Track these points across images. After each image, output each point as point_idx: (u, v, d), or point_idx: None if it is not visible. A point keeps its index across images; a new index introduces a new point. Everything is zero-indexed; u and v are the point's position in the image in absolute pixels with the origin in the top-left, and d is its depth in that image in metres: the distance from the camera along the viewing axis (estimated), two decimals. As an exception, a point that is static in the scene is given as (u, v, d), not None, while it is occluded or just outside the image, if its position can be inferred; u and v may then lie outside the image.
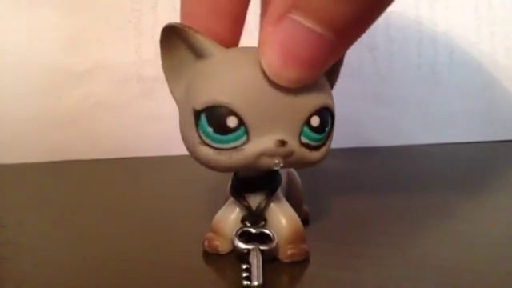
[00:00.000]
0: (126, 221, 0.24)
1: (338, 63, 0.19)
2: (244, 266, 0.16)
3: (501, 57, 0.42)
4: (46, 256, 0.20)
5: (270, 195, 0.18)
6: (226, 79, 0.17)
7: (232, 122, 0.16)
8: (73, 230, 0.23)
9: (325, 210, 0.24)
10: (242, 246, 0.17)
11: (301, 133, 0.17)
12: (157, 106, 0.38)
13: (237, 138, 0.16)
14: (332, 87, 0.19)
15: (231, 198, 0.19)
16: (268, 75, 0.16)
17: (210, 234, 0.19)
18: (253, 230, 0.18)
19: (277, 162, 0.16)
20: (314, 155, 0.17)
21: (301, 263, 0.18)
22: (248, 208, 0.18)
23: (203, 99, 0.16)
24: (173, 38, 0.18)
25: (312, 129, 0.17)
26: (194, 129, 0.17)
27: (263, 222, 0.18)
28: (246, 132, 0.16)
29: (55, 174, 0.35)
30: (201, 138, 0.17)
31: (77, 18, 0.37)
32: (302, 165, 0.18)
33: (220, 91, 0.16)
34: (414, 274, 0.17)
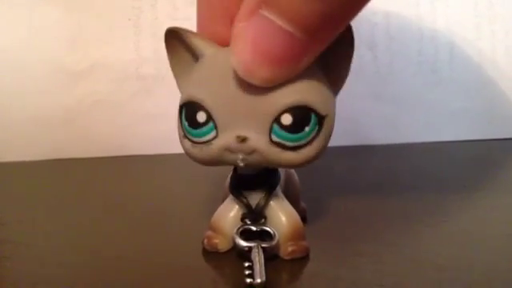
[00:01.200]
0: (126, 219, 0.24)
1: (341, 60, 0.18)
2: (246, 264, 0.16)
3: (501, 55, 0.42)
4: (45, 254, 0.20)
5: (270, 193, 0.18)
6: (202, 77, 0.17)
7: (201, 117, 0.17)
8: (73, 228, 0.23)
9: (324, 208, 0.24)
10: (244, 243, 0.17)
11: (270, 131, 0.16)
12: (156, 104, 0.38)
13: (207, 133, 0.17)
14: (337, 85, 0.18)
15: (230, 196, 0.19)
16: (238, 73, 0.16)
17: (210, 232, 0.19)
18: (254, 228, 0.18)
19: (240, 157, 0.17)
20: (291, 156, 0.17)
21: (301, 260, 0.18)
22: (248, 206, 0.18)
23: (183, 95, 0.18)
24: (174, 41, 0.19)
25: (283, 127, 0.16)
26: (179, 123, 0.18)
27: (263, 220, 0.18)
28: (215, 127, 0.17)
29: (55, 172, 0.35)
30: (183, 131, 0.18)
31: (76, 16, 0.37)
32: (276, 165, 0.17)
33: (194, 88, 0.17)
34: (413, 271, 0.17)
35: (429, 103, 0.41)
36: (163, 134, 0.38)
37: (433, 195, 0.27)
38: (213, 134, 0.17)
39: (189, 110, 0.17)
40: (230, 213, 0.19)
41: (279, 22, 0.14)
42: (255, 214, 0.18)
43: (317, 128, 0.17)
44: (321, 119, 0.17)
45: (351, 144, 0.39)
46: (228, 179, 0.20)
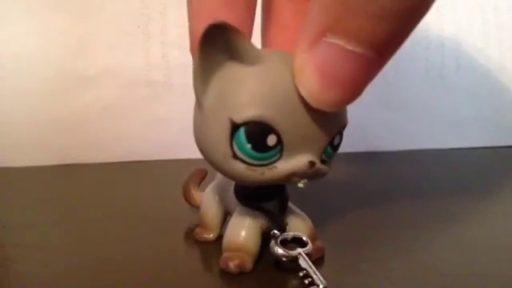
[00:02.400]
0: (134, 224, 0.24)
1: None
2: (301, 274, 0.17)
3: (508, 62, 0.42)
4: (52, 258, 0.20)
5: (285, 200, 0.19)
6: (269, 94, 0.15)
7: (272, 140, 0.15)
8: (80, 232, 0.23)
9: (331, 214, 0.24)
10: (290, 252, 0.17)
11: (324, 152, 0.17)
12: (165, 110, 0.38)
13: (272, 156, 0.16)
14: None
15: (238, 210, 0.19)
16: (309, 102, 0.15)
17: (230, 254, 0.18)
18: (288, 237, 0.18)
19: (304, 181, 0.17)
20: (325, 169, 0.17)
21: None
22: (271, 216, 0.18)
23: (246, 113, 0.15)
24: (215, 36, 0.15)
25: (332, 147, 0.17)
26: (227, 141, 0.16)
27: (287, 228, 0.19)
28: (281, 150, 0.16)
29: (63, 177, 0.35)
30: (234, 152, 0.16)
31: (86, 23, 0.38)
32: (312, 178, 0.17)
33: (262, 106, 0.15)
34: (420, 278, 0.17)
35: (436, 110, 0.41)
36: (171, 140, 0.38)
37: (440, 202, 0.27)
38: (276, 157, 0.16)
39: (256, 131, 0.15)
40: (247, 228, 0.18)
41: (349, 46, 0.15)
42: (279, 223, 0.18)
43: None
44: (341, 134, 0.18)
45: (358, 151, 0.39)
46: (208, 189, 0.21)
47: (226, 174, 0.17)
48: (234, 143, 0.15)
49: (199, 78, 0.16)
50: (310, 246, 0.18)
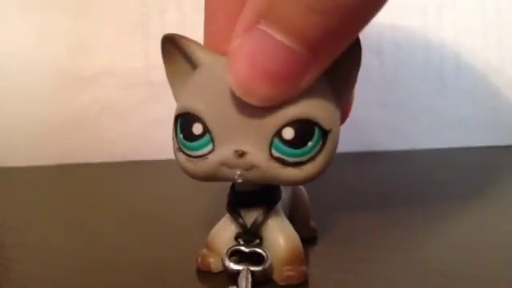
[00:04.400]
0: (133, 224, 0.24)
1: (348, 72, 0.17)
2: None
3: (508, 63, 0.42)
4: (53, 258, 0.20)
5: (268, 211, 0.17)
6: (199, 87, 0.16)
7: (197, 129, 0.16)
8: (80, 232, 0.23)
9: (329, 214, 0.24)
10: (232, 266, 0.16)
11: (271, 145, 0.15)
12: (165, 110, 0.38)
13: (203, 146, 0.16)
14: (344, 97, 0.17)
15: (227, 214, 0.18)
16: (235, 92, 0.15)
17: (205, 251, 0.18)
18: (245, 249, 0.17)
19: (238, 173, 0.15)
20: (292, 172, 0.15)
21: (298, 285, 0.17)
22: (242, 225, 0.17)
23: (179, 106, 0.17)
24: (171, 48, 0.18)
25: (284, 142, 0.15)
26: (174, 134, 0.17)
27: (258, 241, 0.17)
28: (212, 141, 0.16)
29: (63, 177, 0.35)
30: (177, 143, 0.17)
31: (85, 23, 0.38)
32: (276, 181, 0.16)
33: (190, 98, 0.16)
34: (418, 277, 0.17)
35: (435, 110, 0.41)
36: (171, 140, 0.38)
37: (439, 202, 0.27)
38: (209, 147, 0.16)
39: (184, 121, 0.16)
40: (224, 231, 0.18)
41: (279, 36, 0.14)
42: (250, 234, 0.17)
43: (320, 143, 0.15)
44: (325, 134, 0.15)
45: (357, 150, 0.39)
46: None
47: (180, 167, 0.17)
48: (177, 136, 0.17)
49: (171, 85, 0.18)
50: (264, 266, 0.16)
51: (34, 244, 0.21)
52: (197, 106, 0.16)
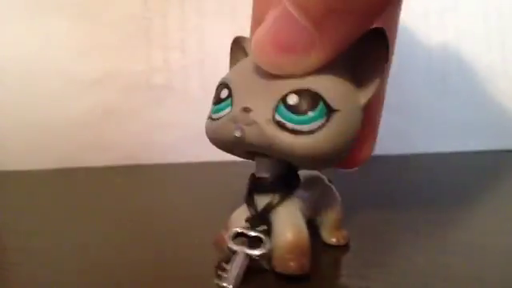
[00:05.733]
0: (136, 227, 0.24)
1: (372, 63, 0.17)
2: (224, 265, 0.16)
3: (510, 66, 0.42)
4: (56, 261, 0.20)
5: (281, 199, 0.18)
6: (236, 66, 0.19)
7: (224, 93, 0.17)
8: (83, 235, 0.23)
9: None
10: (231, 246, 0.17)
11: (275, 109, 0.16)
12: (166, 114, 0.38)
13: (225, 108, 0.17)
14: (368, 88, 0.17)
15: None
16: (253, 54, 0.17)
17: (222, 231, 0.18)
18: (248, 233, 0.17)
19: (238, 125, 0.16)
20: (288, 138, 0.16)
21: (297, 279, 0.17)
22: (253, 209, 0.18)
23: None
24: (236, 47, 0.20)
25: (288, 107, 0.16)
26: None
27: (265, 226, 0.17)
28: (231, 104, 0.17)
29: (66, 180, 0.35)
30: (210, 112, 0.18)
31: (88, 27, 0.38)
32: (272, 146, 0.16)
33: (228, 73, 0.19)
34: (422, 282, 0.17)
35: (438, 114, 0.41)
36: (173, 144, 0.38)
37: (441, 206, 0.27)
38: (228, 109, 0.17)
39: (218, 89, 0.18)
40: (240, 215, 0.18)
41: (292, 9, 0.15)
42: (258, 219, 0.18)
43: (323, 119, 0.16)
44: (330, 111, 0.16)
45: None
46: None
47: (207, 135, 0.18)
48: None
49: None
50: (260, 251, 0.17)
51: (36, 248, 0.21)
52: (228, 76, 0.18)
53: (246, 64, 0.18)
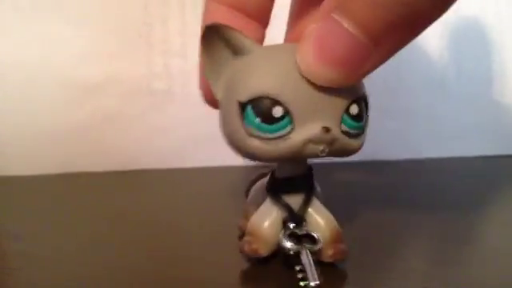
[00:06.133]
0: (137, 232, 0.24)
1: None
2: (298, 268, 0.17)
3: (509, 70, 0.42)
4: (58, 266, 0.20)
5: (309, 196, 0.19)
6: (269, 72, 0.17)
7: (277, 111, 0.17)
8: (84, 241, 0.23)
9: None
10: (292, 246, 0.18)
11: (341, 121, 0.17)
12: (167, 119, 0.39)
13: (283, 127, 0.17)
14: None
15: (268, 200, 0.19)
16: (300, 69, 0.16)
17: (249, 238, 0.19)
18: (299, 232, 0.18)
19: (321, 148, 0.17)
20: (354, 143, 0.18)
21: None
22: (290, 209, 0.18)
23: (248, 91, 0.17)
24: (213, 36, 0.18)
25: (351, 117, 0.17)
26: (240, 122, 0.17)
27: (304, 223, 0.18)
28: (291, 121, 0.17)
29: (67, 185, 0.35)
30: (248, 130, 0.17)
31: (89, 33, 0.38)
32: (343, 153, 0.18)
33: (265, 83, 0.17)
34: (422, 286, 0.17)
35: (437, 118, 0.41)
36: (174, 149, 0.38)
37: (440, 211, 0.27)
38: (288, 128, 0.17)
39: (261, 105, 0.17)
40: (270, 217, 0.19)
41: (346, 24, 0.15)
42: (297, 218, 0.18)
43: (367, 115, 0.18)
44: (367, 108, 0.18)
45: (358, 160, 0.39)
46: (257, 184, 0.21)
47: (247, 153, 0.18)
48: (245, 122, 0.17)
49: (207, 76, 0.18)
50: (318, 246, 0.18)
51: (37, 253, 0.21)
52: (275, 90, 0.17)
53: (279, 70, 0.17)
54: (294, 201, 0.19)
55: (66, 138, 0.38)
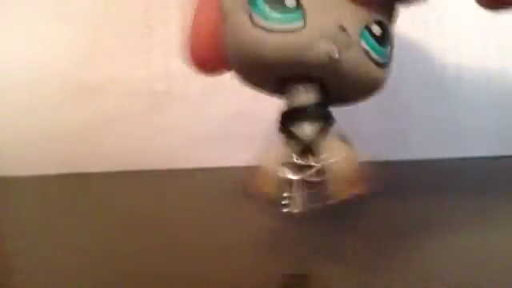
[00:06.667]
0: (138, 233, 0.24)
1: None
2: (285, 194, 0.16)
3: (509, 71, 0.42)
4: (58, 268, 0.20)
5: (325, 125, 0.17)
6: None
7: (291, 2, 0.15)
8: (84, 241, 0.23)
9: (331, 223, 0.24)
10: (287, 175, 0.16)
11: (361, 35, 0.16)
12: (168, 120, 0.39)
13: (294, 20, 0.15)
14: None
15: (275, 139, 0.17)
16: None
17: (261, 175, 0.17)
18: (300, 162, 0.16)
19: (333, 48, 0.15)
20: (375, 70, 0.16)
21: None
22: (298, 138, 0.17)
23: None
24: None
25: (373, 36, 0.16)
26: (246, 11, 0.15)
27: (315, 155, 0.17)
28: (302, 17, 0.15)
29: (68, 186, 0.35)
30: (253, 19, 0.15)
31: (90, 34, 0.38)
32: (363, 80, 0.16)
33: None
34: (421, 287, 0.17)
35: (437, 120, 0.41)
36: (174, 149, 0.38)
37: (441, 212, 0.27)
38: (299, 23, 0.15)
39: None
40: (275, 151, 0.17)
41: None
42: (308, 149, 0.17)
43: (391, 48, 0.17)
44: (391, 46, 0.17)
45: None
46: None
47: (248, 47, 0.16)
48: (253, 10, 0.15)
49: None
50: (320, 179, 0.16)
51: (36, 254, 0.21)
52: None
53: None
54: (307, 130, 0.17)
55: (66, 138, 0.38)
